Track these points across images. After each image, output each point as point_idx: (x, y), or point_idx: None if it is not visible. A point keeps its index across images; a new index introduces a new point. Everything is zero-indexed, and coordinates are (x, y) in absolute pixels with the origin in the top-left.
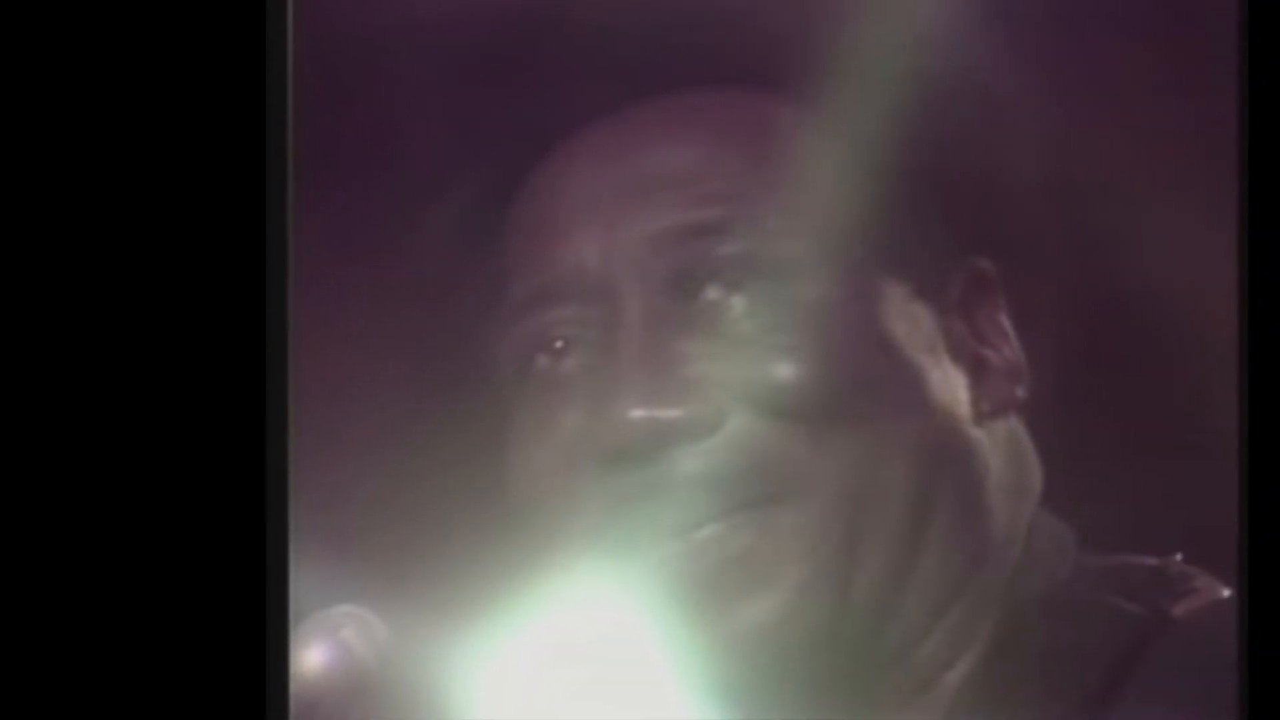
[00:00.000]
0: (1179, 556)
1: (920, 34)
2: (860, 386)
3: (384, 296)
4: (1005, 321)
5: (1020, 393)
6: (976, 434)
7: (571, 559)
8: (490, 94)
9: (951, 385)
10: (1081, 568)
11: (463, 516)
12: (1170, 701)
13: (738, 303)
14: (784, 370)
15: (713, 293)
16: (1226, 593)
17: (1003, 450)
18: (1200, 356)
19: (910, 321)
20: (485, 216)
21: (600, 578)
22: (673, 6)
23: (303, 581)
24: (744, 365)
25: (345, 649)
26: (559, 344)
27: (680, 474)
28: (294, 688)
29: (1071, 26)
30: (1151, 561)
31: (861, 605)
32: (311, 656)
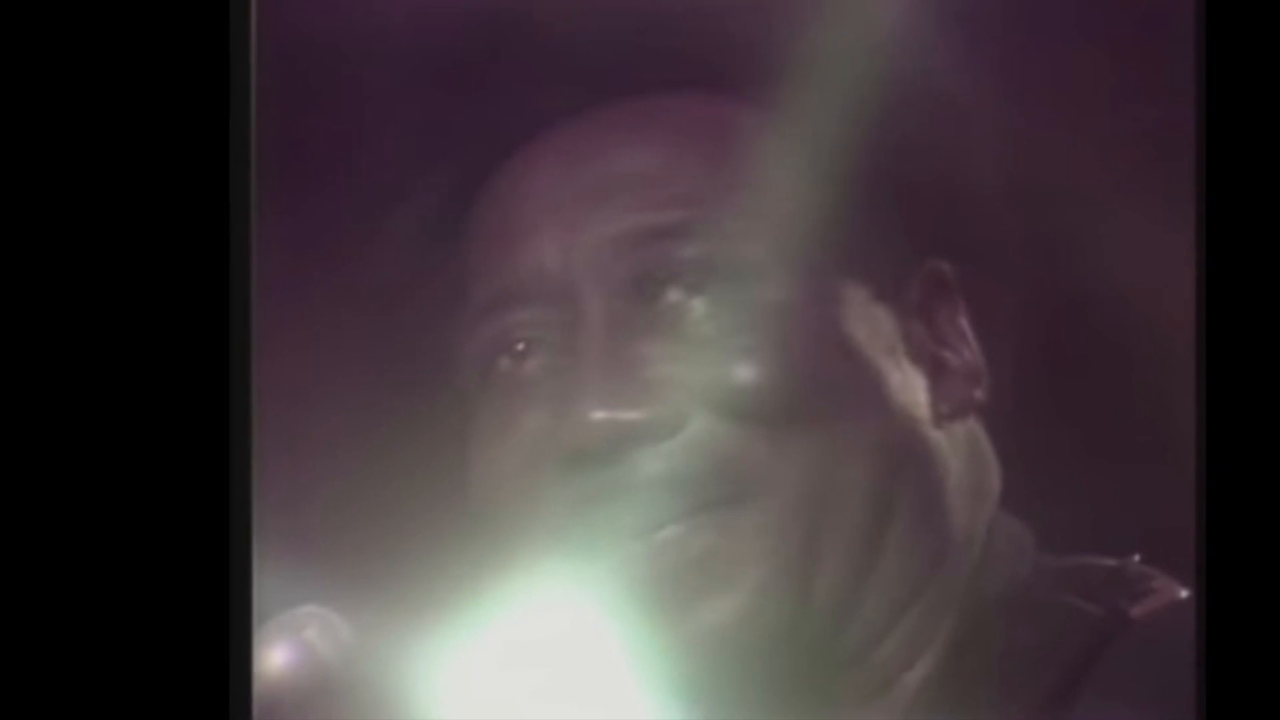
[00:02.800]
0: (1137, 557)
1: (880, 38)
2: (820, 388)
3: (347, 299)
4: (964, 324)
5: (979, 395)
6: (936, 436)
7: (533, 560)
8: (452, 97)
9: (911, 387)
10: (1040, 568)
11: (426, 517)
12: (1129, 701)
13: (698, 305)
14: (744, 372)
15: (673, 295)
16: (1184, 593)
17: (962, 452)
18: (1158, 358)
19: (870, 324)
20: (448, 219)
21: (562, 578)
22: (634, 10)
23: (266, 582)
24: (704, 367)
25: (309, 649)
26: (520, 346)
27: (641, 475)
28: (257, 688)
29: (1030, 30)
30: (1110, 562)
31: (821, 606)
32: (275, 657)
